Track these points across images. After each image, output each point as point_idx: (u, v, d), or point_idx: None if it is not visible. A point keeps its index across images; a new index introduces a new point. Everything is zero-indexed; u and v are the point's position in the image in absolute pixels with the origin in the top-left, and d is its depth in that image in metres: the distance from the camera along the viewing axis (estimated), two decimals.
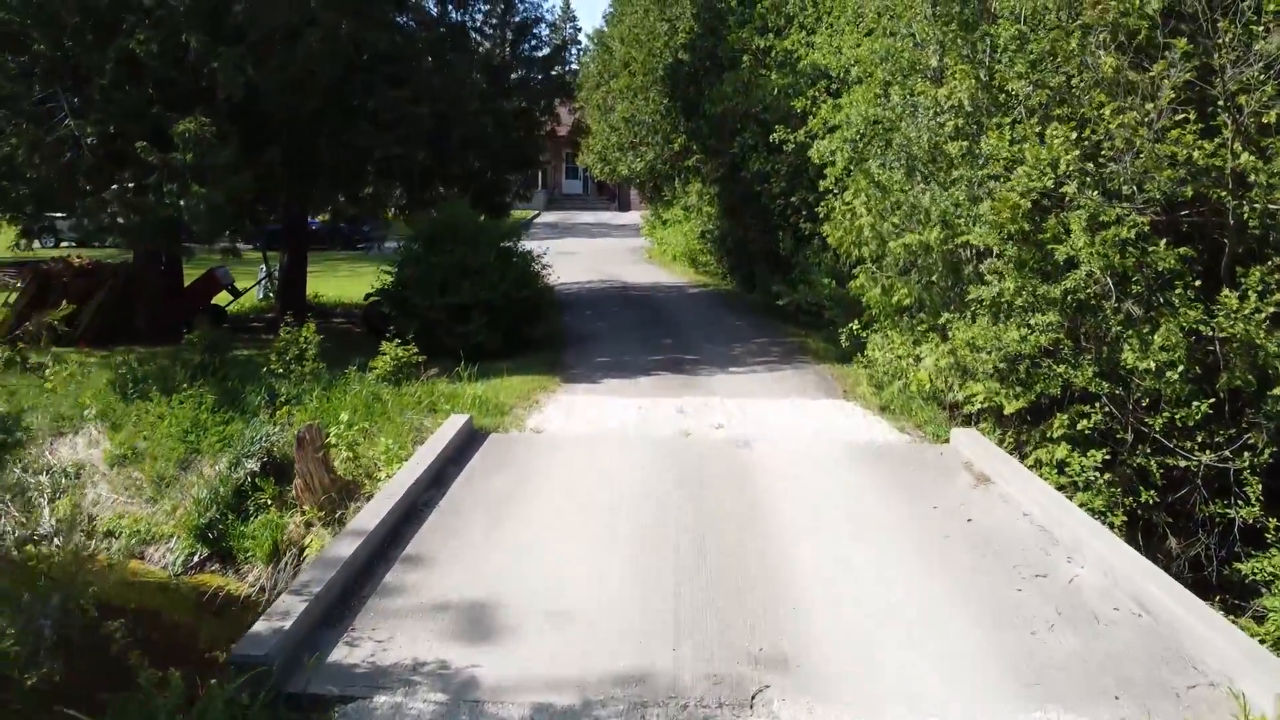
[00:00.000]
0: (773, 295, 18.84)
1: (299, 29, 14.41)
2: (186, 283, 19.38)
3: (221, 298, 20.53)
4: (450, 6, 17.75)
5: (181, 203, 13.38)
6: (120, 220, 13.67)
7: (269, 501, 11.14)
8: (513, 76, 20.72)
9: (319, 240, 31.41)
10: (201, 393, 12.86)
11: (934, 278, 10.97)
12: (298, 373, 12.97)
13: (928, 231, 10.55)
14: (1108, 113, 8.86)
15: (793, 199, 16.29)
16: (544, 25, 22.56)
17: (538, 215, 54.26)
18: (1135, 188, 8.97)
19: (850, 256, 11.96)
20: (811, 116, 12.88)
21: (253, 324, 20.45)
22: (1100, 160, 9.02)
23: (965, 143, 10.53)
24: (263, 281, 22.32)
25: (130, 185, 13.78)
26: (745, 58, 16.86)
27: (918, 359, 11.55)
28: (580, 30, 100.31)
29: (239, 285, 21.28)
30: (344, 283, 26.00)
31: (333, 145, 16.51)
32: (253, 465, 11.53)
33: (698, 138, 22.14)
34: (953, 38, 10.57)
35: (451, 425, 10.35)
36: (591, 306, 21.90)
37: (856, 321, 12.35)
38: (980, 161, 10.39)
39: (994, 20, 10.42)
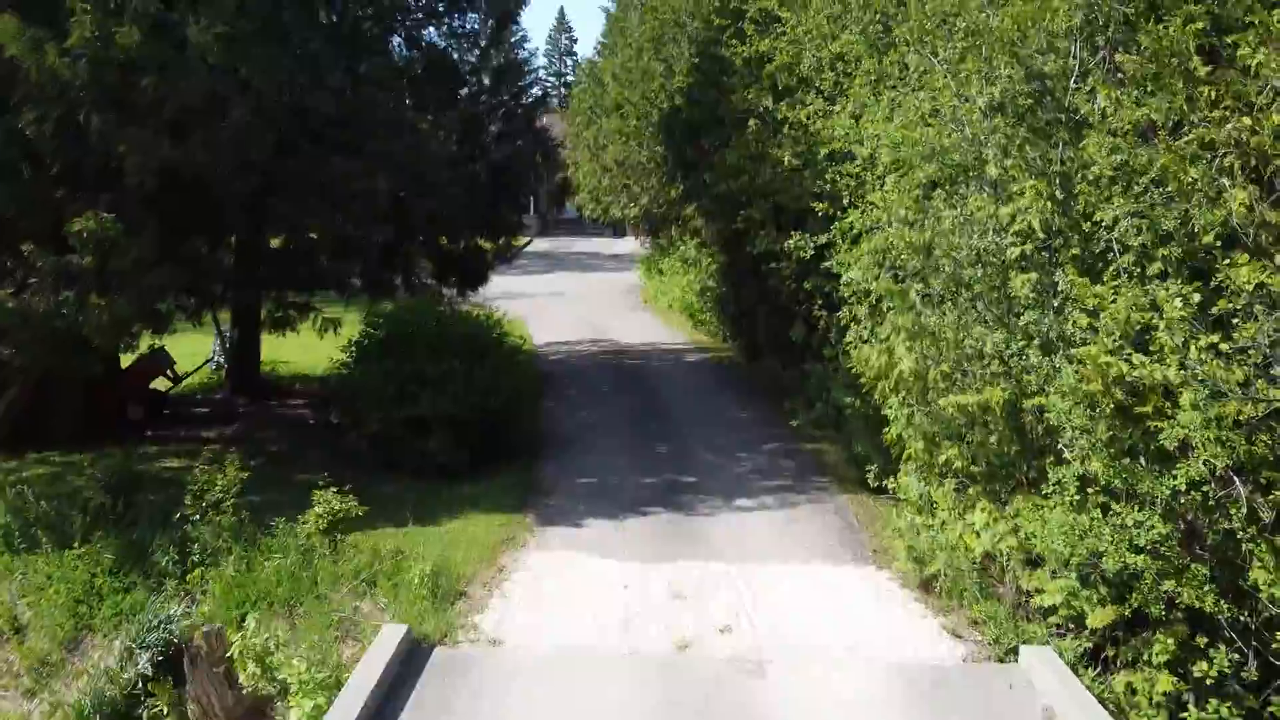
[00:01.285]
0: (779, 375, 16.73)
1: (225, 99, 12.19)
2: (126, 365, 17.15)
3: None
4: (415, 51, 15.53)
5: (80, 317, 11.17)
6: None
7: (165, 712, 8.94)
8: (492, 129, 18.48)
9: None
10: (100, 548, 10.67)
11: (993, 440, 8.76)
12: (215, 524, 10.73)
13: (989, 389, 8.34)
14: (1243, 273, 6.64)
15: (806, 284, 14.07)
16: (529, 63, 20.28)
17: (529, 242, 52.04)
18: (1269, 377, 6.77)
19: (884, 396, 9.76)
20: (837, 217, 10.67)
21: (198, 407, 18.22)
22: (1231, 340, 6.80)
23: (1035, 275, 8.33)
24: (215, 357, 20.04)
25: (11, 290, 11.58)
26: (752, 121, 14.70)
27: (968, 523, 9.35)
28: (576, 47, 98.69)
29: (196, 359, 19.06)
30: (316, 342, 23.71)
31: (275, 227, 14.31)
32: (145, 663, 9.32)
33: (696, 197, 19.93)
34: (1020, 144, 8.36)
35: (383, 647, 8.09)
36: (579, 383, 19.68)
37: (877, 465, 10.21)
38: (1057, 303, 8.19)
39: (1076, 126, 8.20)
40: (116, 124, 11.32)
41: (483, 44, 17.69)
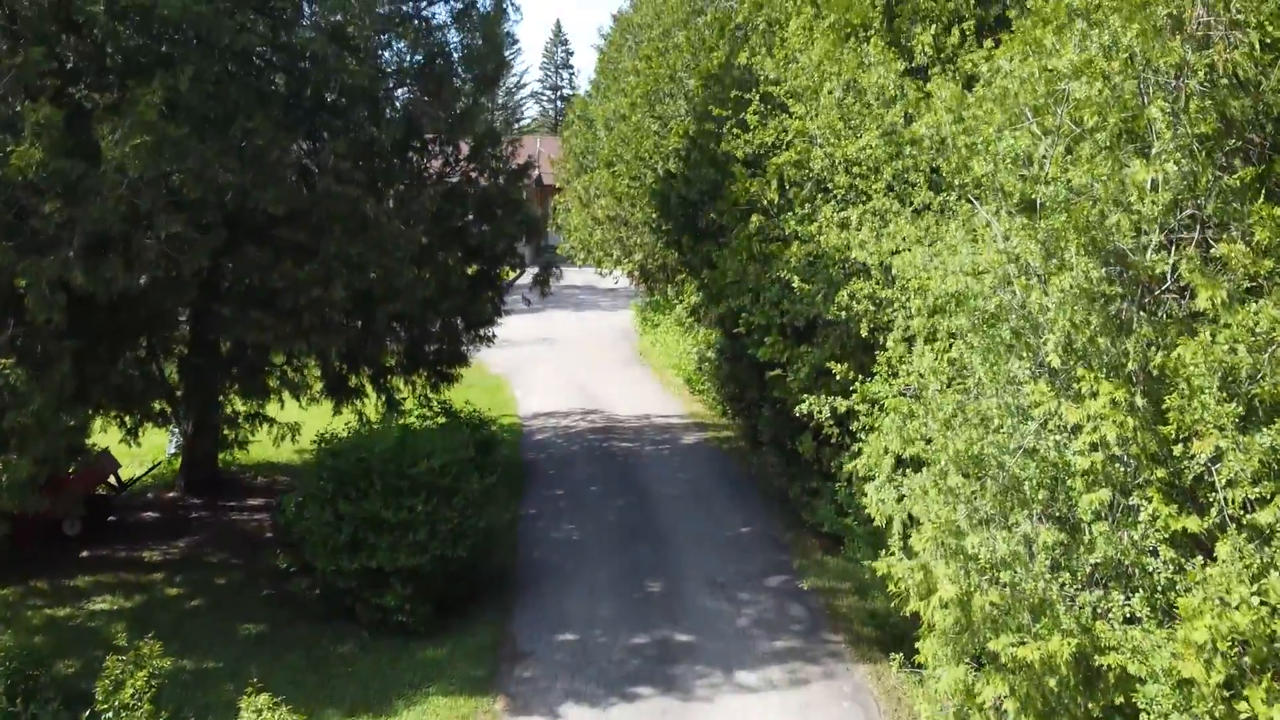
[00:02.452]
0: (784, 482, 15.15)
1: (149, 214, 10.60)
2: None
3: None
4: (378, 130, 13.85)
5: None
6: None
7: None
8: (471, 199, 16.77)
9: None
10: None
11: (1053, 683, 7.16)
12: None
13: (1053, 639, 6.74)
14: None
15: (817, 411, 12.45)
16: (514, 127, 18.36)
17: (521, 275, 50.30)
18: None
19: (923, 631, 8.16)
20: (859, 379, 9.07)
21: (148, 510, 16.59)
22: None
23: (1110, 493, 6.73)
24: (172, 451, 18.35)
25: None
26: (755, 217, 13.10)
27: None
28: (572, 60, 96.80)
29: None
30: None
31: (220, 335, 12.70)
32: None
33: (691, 270, 18.32)
34: (1091, 335, 6.75)
35: None
36: (565, 477, 18.06)
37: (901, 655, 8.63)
38: (1140, 530, 6.60)
39: (1160, 322, 6.59)
40: (15, 255, 9.72)
41: (460, 107, 16.00)
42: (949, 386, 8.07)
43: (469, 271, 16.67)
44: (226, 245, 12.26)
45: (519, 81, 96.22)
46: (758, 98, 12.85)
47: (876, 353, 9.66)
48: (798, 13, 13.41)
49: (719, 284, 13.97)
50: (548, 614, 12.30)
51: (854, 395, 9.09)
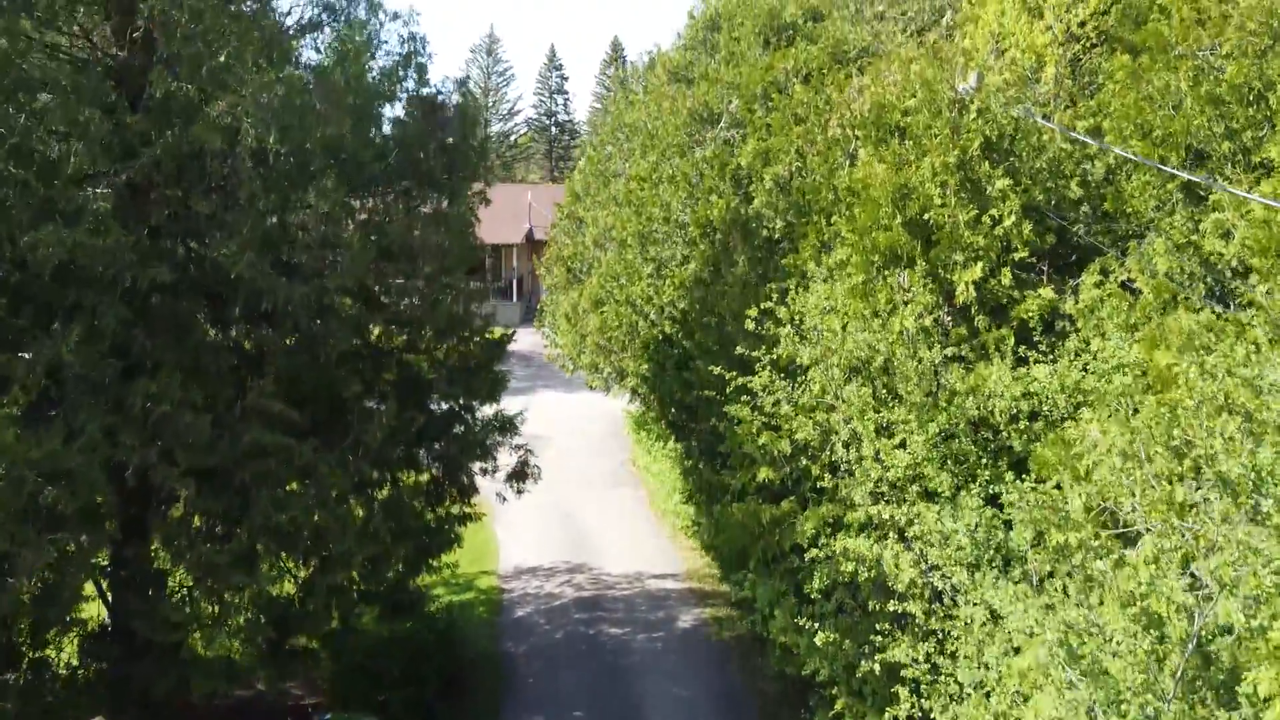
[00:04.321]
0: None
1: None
2: None
3: None
4: (318, 356, 11.75)
5: None
6: None
7: None
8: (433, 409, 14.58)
9: None
10: None
11: None
12: None
13: None
14: None
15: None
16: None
17: (513, 335, 48.07)
18: None
19: None
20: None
21: None
22: None
23: None
24: None
25: None
26: (764, 470, 11.04)
27: None
28: (567, 85, 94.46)
29: None
30: None
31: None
32: None
33: (681, 434, 16.26)
34: None
35: None
36: (545, 691, 15.97)
37: None
38: None
39: None
40: None
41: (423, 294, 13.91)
42: None
43: (432, 475, 14.55)
44: (126, 531, 10.22)
45: (511, 108, 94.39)
46: (767, 365, 10.77)
47: None
48: (814, 231, 11.35)
49: (724, 533, 11.92)
50: None
51: None
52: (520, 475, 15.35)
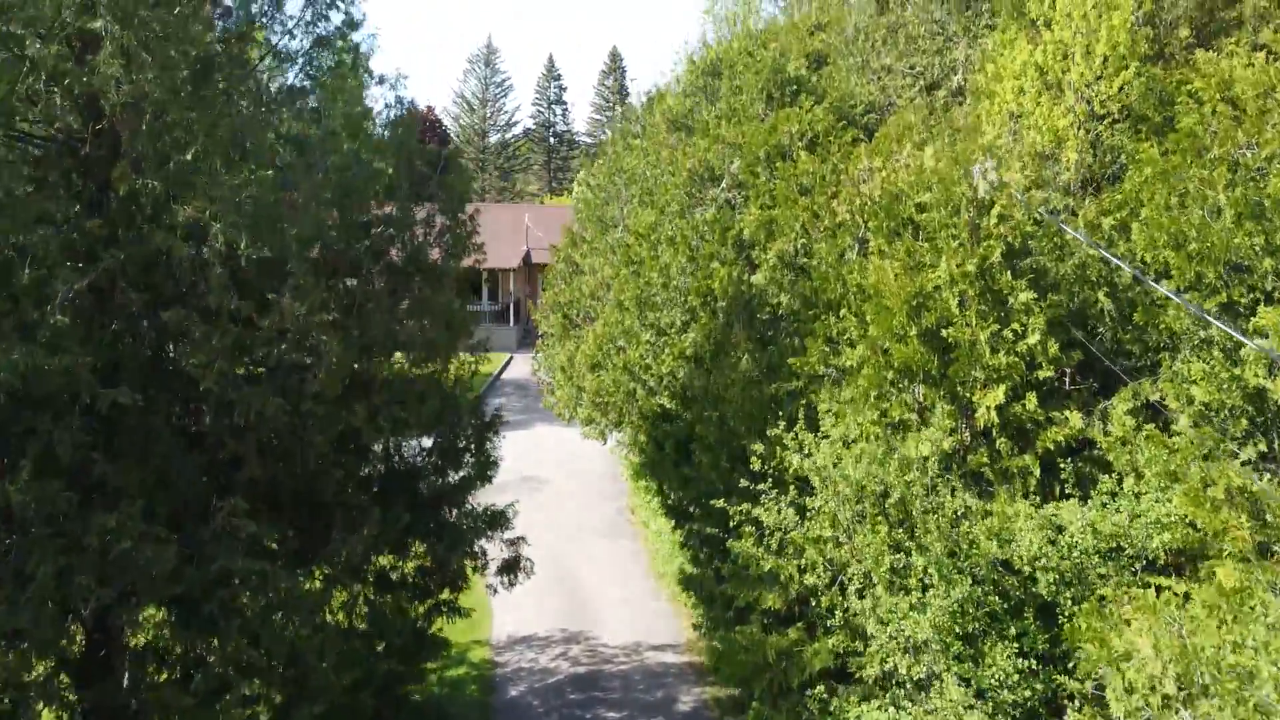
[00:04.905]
0: None
1: None
2: None
3: None
4: (297, 467, 11.01)
5: None
6: None
7: None
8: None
9: None
10: None
11: None
12: None
13: None
14: None
15: None
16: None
17: (509, 363, 47.28)
18: None
19: None
20: None
21: None
22: None
23: None
24: None
25: None
26: (771, 597, 10.29)
27: None
28: (565, 96, 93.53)
29: None
30: None
31: None
32: None
33: (678, 520, 15.53)
34: None
35: None
36: None
37: None
38: None
39: None
40: None
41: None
42: None
43: (420, 563, 13.80)
44: (87, 673, 9.50)
45: (510, 119, 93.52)
46: (774, 501, 10.06)
47: None
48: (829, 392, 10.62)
49: (726, 660, 11.21)
50: None
51: None
52: (513, 568, 14.60)
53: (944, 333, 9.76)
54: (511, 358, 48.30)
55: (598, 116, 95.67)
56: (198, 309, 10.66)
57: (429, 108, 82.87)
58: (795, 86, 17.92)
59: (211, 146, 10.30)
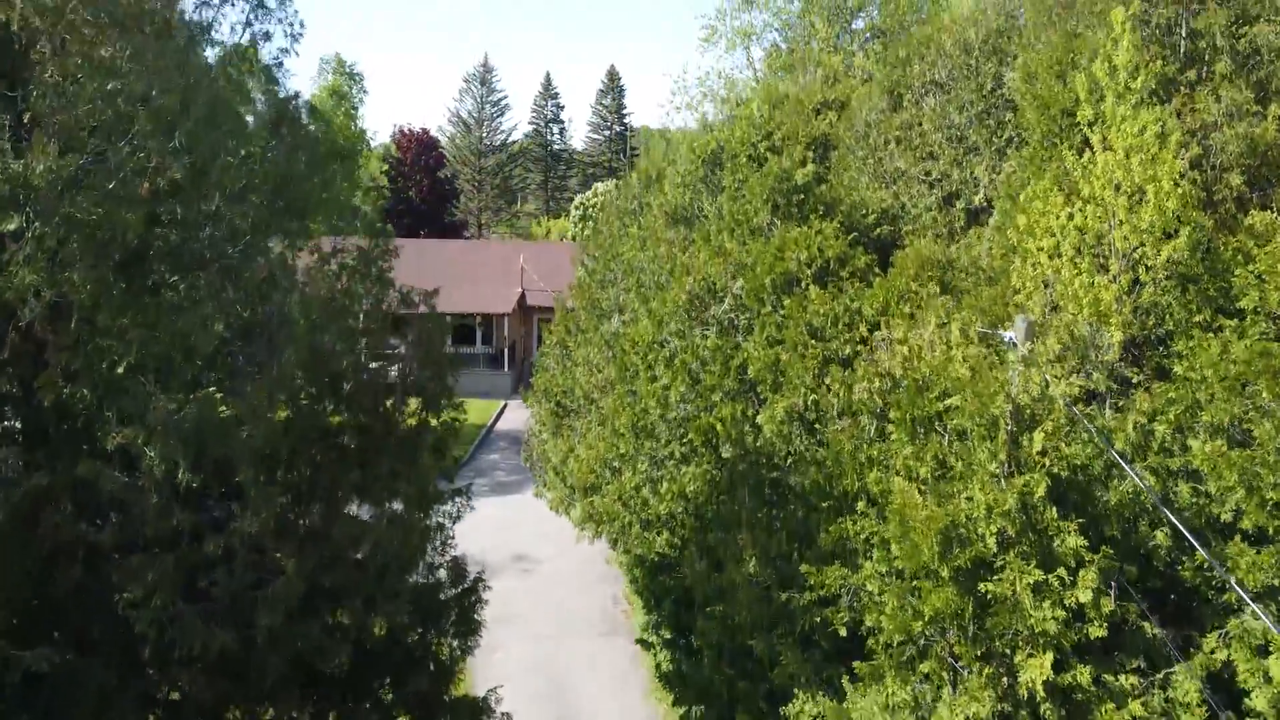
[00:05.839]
0: None
1: None
2: None
3: None
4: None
5: None
6: None
7: None
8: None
9: None
10: None
11: None
12: None
13: None
14: None
15: None
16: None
17: (503, 411, 45.74)
18: None
19: None
20: None
21: None
22: None
23: None
24: None
25: None
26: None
27: None
28: (563, 114, 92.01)
29: None
30: None
31: None
32: None
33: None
34: None
35: None
36: None
37: None
38: None
39: None
40: None
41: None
42: None
43: None
44: None
45: (506, 138, 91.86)
46: None
47: None
48: None
49: None
50: None
51: None
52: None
53: (981, 586, 8.53)
54: (505, 405, 46.72)
55: (595, 136, 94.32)
56: (135, 534, 9.44)
57: (424, 130, 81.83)
58: (802, 195, 16.68)
59: (147, 358, 9.06)
